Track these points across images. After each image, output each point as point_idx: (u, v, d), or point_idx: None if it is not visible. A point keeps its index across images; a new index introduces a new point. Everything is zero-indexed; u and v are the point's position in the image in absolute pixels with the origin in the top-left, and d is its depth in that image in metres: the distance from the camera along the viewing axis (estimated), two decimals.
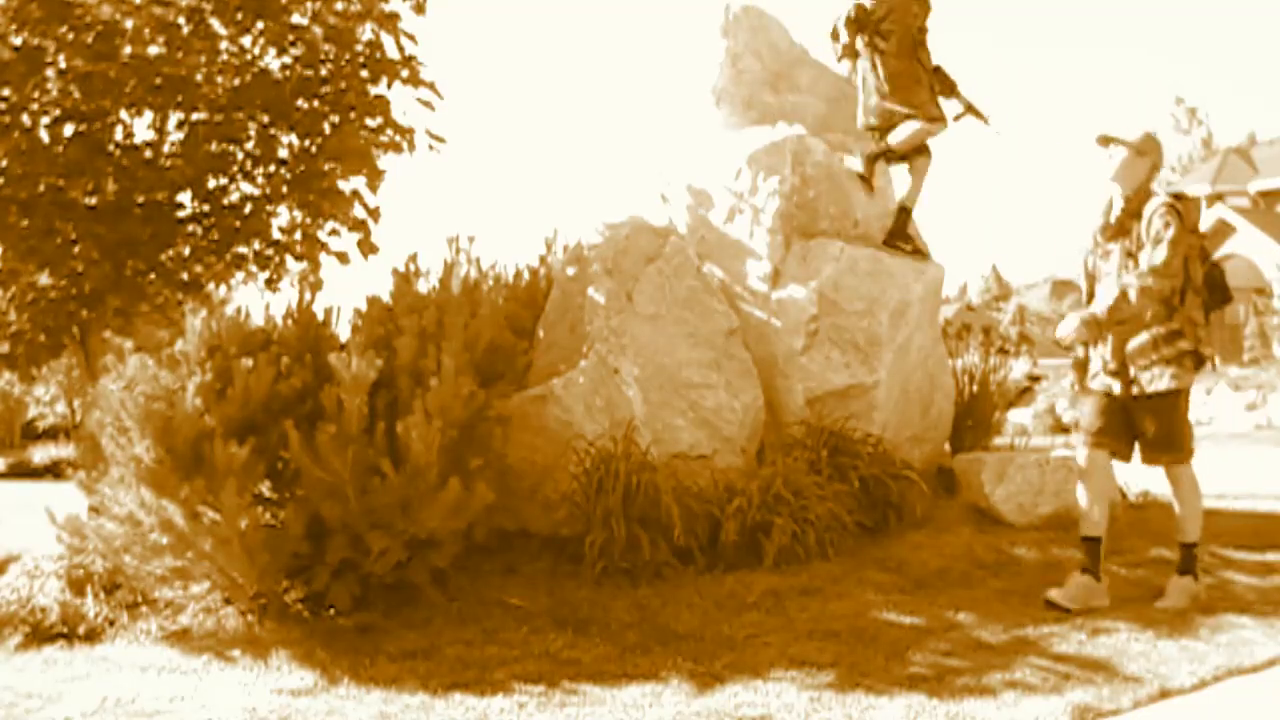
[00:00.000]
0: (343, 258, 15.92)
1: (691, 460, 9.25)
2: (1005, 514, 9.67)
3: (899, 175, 10.97)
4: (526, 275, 11.19)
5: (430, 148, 15.71)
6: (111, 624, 8.31)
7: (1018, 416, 21.08)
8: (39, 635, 8.18)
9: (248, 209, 15.68)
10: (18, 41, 14.38)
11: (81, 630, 8.18)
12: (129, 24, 14.22)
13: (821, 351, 9.96)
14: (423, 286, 9.54)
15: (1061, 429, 25.14)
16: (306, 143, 15.47)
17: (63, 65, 14.56)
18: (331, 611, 7.90)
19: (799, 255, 10.28)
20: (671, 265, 9.83)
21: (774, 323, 10.05)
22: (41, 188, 14.38)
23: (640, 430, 9.02)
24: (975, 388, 11.48)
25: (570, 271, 10.01)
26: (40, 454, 28.96)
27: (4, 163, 14.31)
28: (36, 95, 14.74)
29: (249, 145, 15.41)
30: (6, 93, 14.69)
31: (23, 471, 27.77)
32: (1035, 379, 32.95)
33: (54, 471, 25.22)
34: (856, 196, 10.68)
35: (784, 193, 10.33)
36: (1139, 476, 9.64)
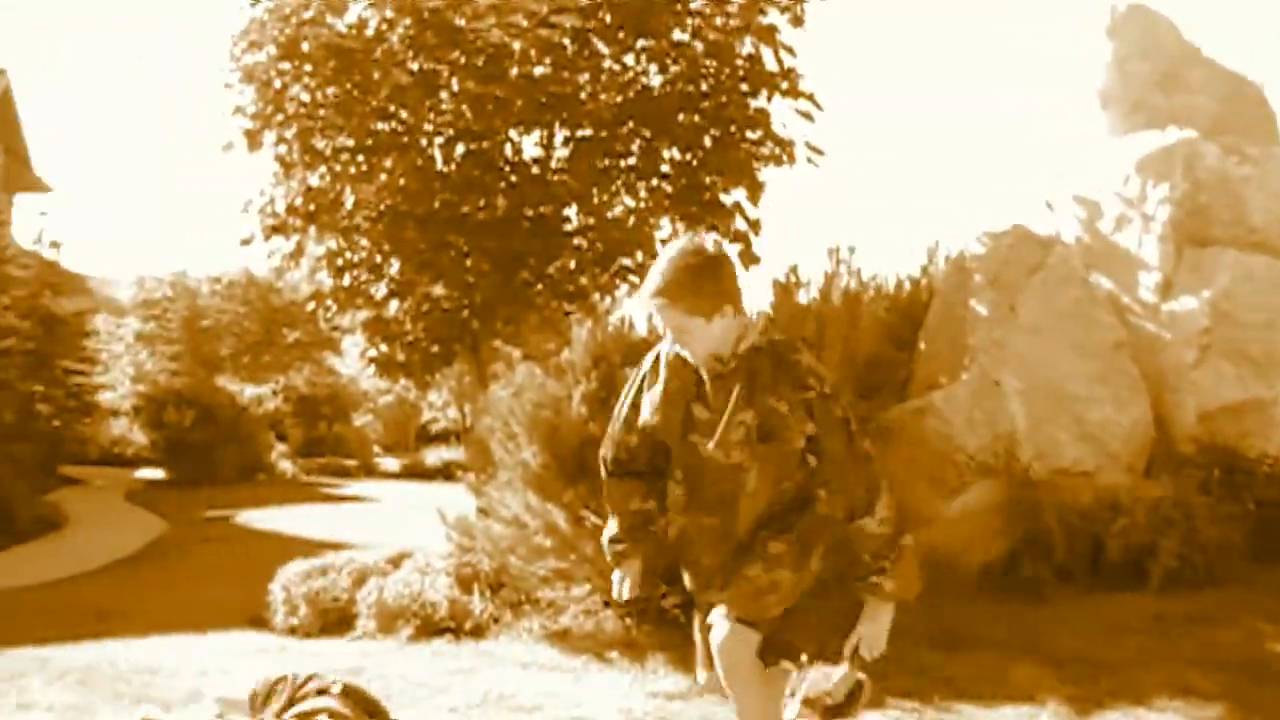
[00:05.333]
0: None
1: (1074, 476, 9.00)
2: None
3: None
4: (907, 286, 11.11)
5: (809, 159, 15.76)
6: (496, 621, 8.67)
7: None
8: (428, 628, 8.63)
9: (631, 222, 16.05)
10: (414, 66, 15.15)
11: (468, 626, 8.57)
12: (517, 46, 14.77)
13: (1213, 365, 9.53)
14: (803, 297, 9.57)
15: None
16: (688, 156, 15.74)
17: (455, 87, 15.26)
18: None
19: (1191, 264, 9.87)
20: (1056, 275, 9.60)
21: (1164, 335, 9.68)
22: (436, 204, 15.09)
23: (1021, 444, 8.84)
24: None
25: (952, 282, 9.89)
26: (433, 456, 30.34)
27: (402, 181, 15.09)
28: (431, 116, 15.49)
29: (632, 160, 15.79)
30: (404, 115, 15.50)
31: (416, 472, 29.15)
32: None
33: (445, 473, 26.36)
34: (1254, 201, 10.18)
35: (1175, 199, 9.95)
36: None
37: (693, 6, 15.45)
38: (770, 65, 15.46)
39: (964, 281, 9.67)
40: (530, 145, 16.10)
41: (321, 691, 4.89)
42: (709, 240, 4.54)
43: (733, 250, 15.87)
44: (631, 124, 15.36)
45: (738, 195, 15.76)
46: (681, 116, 15.44)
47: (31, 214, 35.56)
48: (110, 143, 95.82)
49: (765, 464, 4.41)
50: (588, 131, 15.56)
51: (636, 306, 4.50)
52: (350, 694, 5.12)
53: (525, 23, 14.35)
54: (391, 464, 31.71)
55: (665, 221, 16.15)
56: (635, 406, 4.70)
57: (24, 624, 10.38)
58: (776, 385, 4.44)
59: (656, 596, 8.19)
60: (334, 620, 9.17)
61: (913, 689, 6.75)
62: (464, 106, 15.20)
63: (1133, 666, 7.01)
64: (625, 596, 4.90)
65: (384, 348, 17.25)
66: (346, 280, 16.50)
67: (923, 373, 9.71)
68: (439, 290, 16.29)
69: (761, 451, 4.39)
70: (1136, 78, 11.03)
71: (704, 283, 4.40)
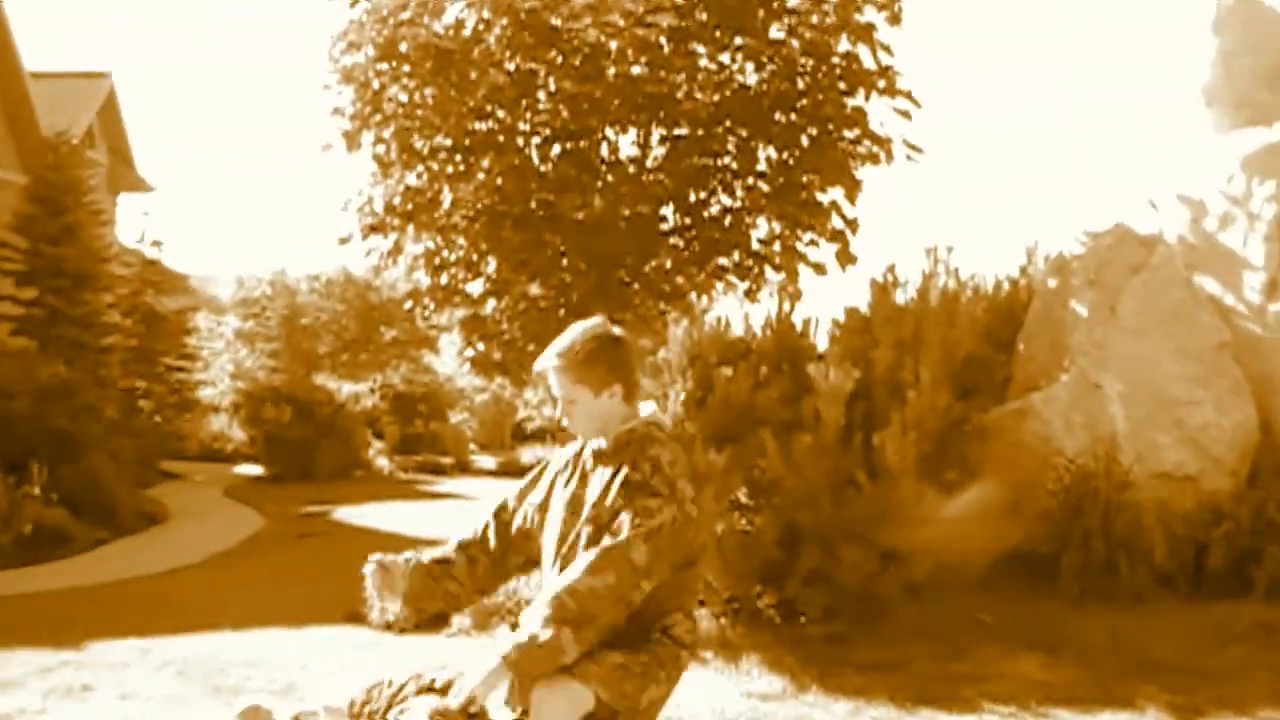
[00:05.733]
0: (820, 268, 16.06)
1: (1176, 480, 8.86)
2: None
3: None
4: (1006, 286, 10.98)
5: (907, 158, 15.65)
6: None
7: None
8: None
9: (727, 221, 16.03)
10: (511, 66, 15.23)
11: None
12: (613, 45, 14.80)
13: None
14: (900, 298, 9.50)
15: None
16: (785, 155, 15.68)
17: (552, 87, 15.32)
18: (802, 619, 7.99)
19: None
20: (1158, 276, 9.45)
21: (1269, 337, 9.49)
22: (533, 203, 15.16)
23: (1122, 448, 8.71)
24: None
25: (1051, 283, 9.77)
26: (528, 454, 30.44)
27: (499, 180, 15.17)
28: (528, 116, 15.56)
29: (729, 159, 15.77)
30: (501, 114, 15.58)
31: (511, 470, 29.26)
32: None
33: None
34: None
35: None
36: None
37: (789, 4, 15.40)
38: (868, 63, 15.38)
39: (1064, 282, 9.55)
40: (627, 144, 16.12)
41: (424, 690, 4.92)
42: (618, 329, 4.68)
43: (829, 250, 15.83)
44: (728, 123, 15.33)
45: (835, 194, 15.69)
46: (778, 115, 15.39)
47: (134, 213, 36.13)
48: (211, 143, 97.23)
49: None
50: (684, 130, 15.56)
51: (539, 369, 4.64)
52: (448, 689, 5.14)
53: (622, 22, 14.37)
54: (487, 462, 31.89)
55: (762, 221, 16.11)
56: (534, 481, 4.92)
57: (126, 616, 10.55)
58: (620, 487, 4.45)
59: (752, 597, 8.18)
60: (430, 617, 9.22)
61: (1009, 694, 6.69)
62: (561, 106, 15.25)
63: (1235, 676, 6.89)
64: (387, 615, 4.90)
65: (480, 346, 17.35)
66: (444, 279, 16.61)
67: (1022, 374, 9.60)
68: (535, 289, 16.36)
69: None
70: (1242, 73, 10.82)
71: (600, 355, 4.57)
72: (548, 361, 4.64)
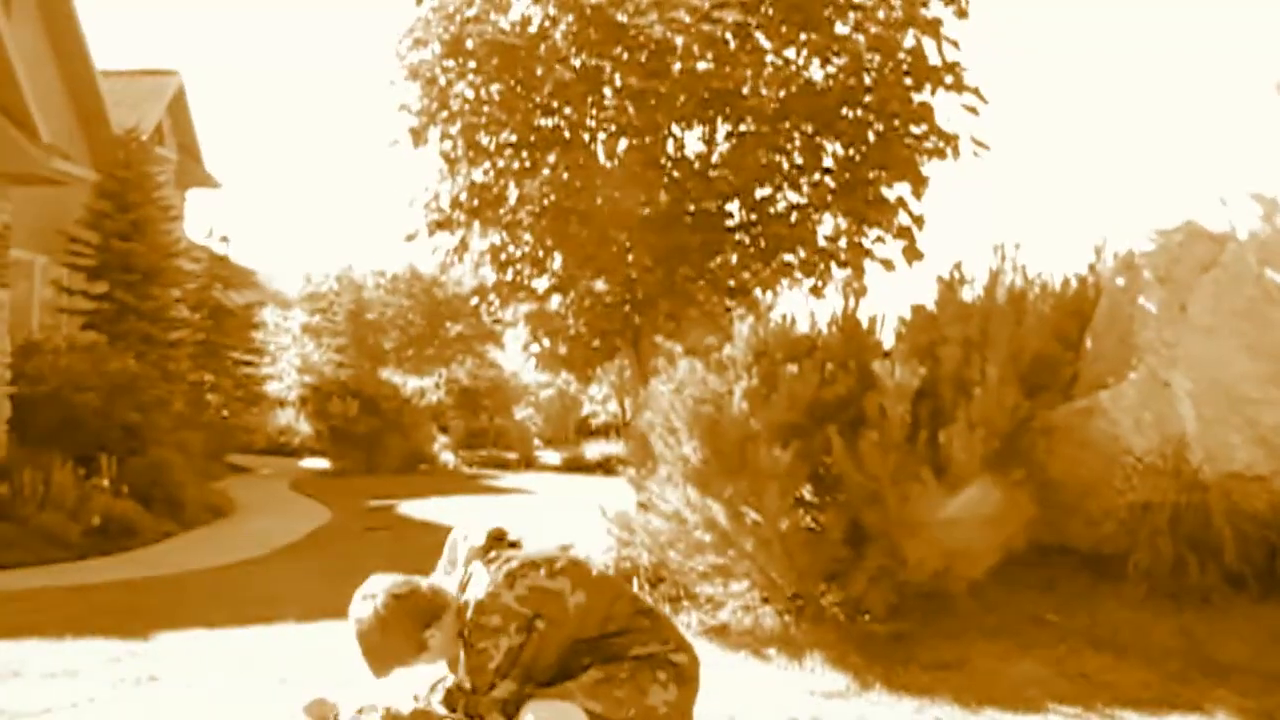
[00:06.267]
0: (887, 265, 16.00)
1: (1247, 481, 8.73)
2: None
3: None
4: (1074, 284, 10.87)
5: (974, 153, 15.56)
6: None
7: None
8: None
9: (793, 217, 16.00)
10: (577, 63, 15.26)
11: None
12: (679, 41, 14.80)
13: None
14: (967, 295, 9.43)
15: None
16: (851, 151, 15.64)
17: (618, 83, 15.34)
18: (866, 616, 7.96)
19: None
20: (1229, 273, 9.32)
21: None
22: (598, 199, 15.17)
23: (1191, 447, 8.60)
24: None
25: (1120, 280, 9.66)
26: (593, 450, 30.52)
27: (564, 176, 15.20)
28: (594, 112, 15.60)
29: (794, 155, 15.73)
30: (567, 110, 15.62)
31: (576, 466, 29.35)
32: None
33: (605, 467, 26.51)
34: None
35: None
36: None
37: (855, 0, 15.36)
38: (934, 58, 15.30)
39: (1133, 279, 9.44)
40: (692, 140, 16.13)
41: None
42: (371, 599, 4.75)
43: (895, 247, 15.76)
44: (794, 119, 15.30)
45: (901, 190, 15.63)
46: (844, 111, 15.35)
47: (203, 209, 36.57)
48: (279, 139, 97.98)
49: None
50: (750, 126, 15.55)
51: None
52: None
53: (687, 18, 14.38)
54: (552, 457, 31.98)
55: (828, 217, 16.07)
56: None
57: (192, 608, 10.66)
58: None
59: (816, 594, 8.16)
60: None
61: (1075, 694, 6.63)
62: (626, 102, 15.28)
63: None
64: None
65: (546, 342, 17.41)
66: (509, 275, 16.68)
67: (1089, 372, 9.51)
68: (601, 285, 16.39)
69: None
70: None
71: (393, 644, 4.71)
72: (387, 676, 4.79)
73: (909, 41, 15.35)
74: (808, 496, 8.57)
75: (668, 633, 4.83)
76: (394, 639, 4.70)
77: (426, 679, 4.95)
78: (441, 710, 4.78)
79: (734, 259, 16.24)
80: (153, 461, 17.21)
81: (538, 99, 15.34)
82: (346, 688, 5.37)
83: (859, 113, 15.38)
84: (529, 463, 30.81)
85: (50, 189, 17.84)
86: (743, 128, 15.62)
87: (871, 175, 15.52)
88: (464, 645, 4.71)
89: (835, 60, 15.49)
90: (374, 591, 4.77)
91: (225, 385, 26.95)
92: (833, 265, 16.31)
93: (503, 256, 16.53)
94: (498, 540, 4.85)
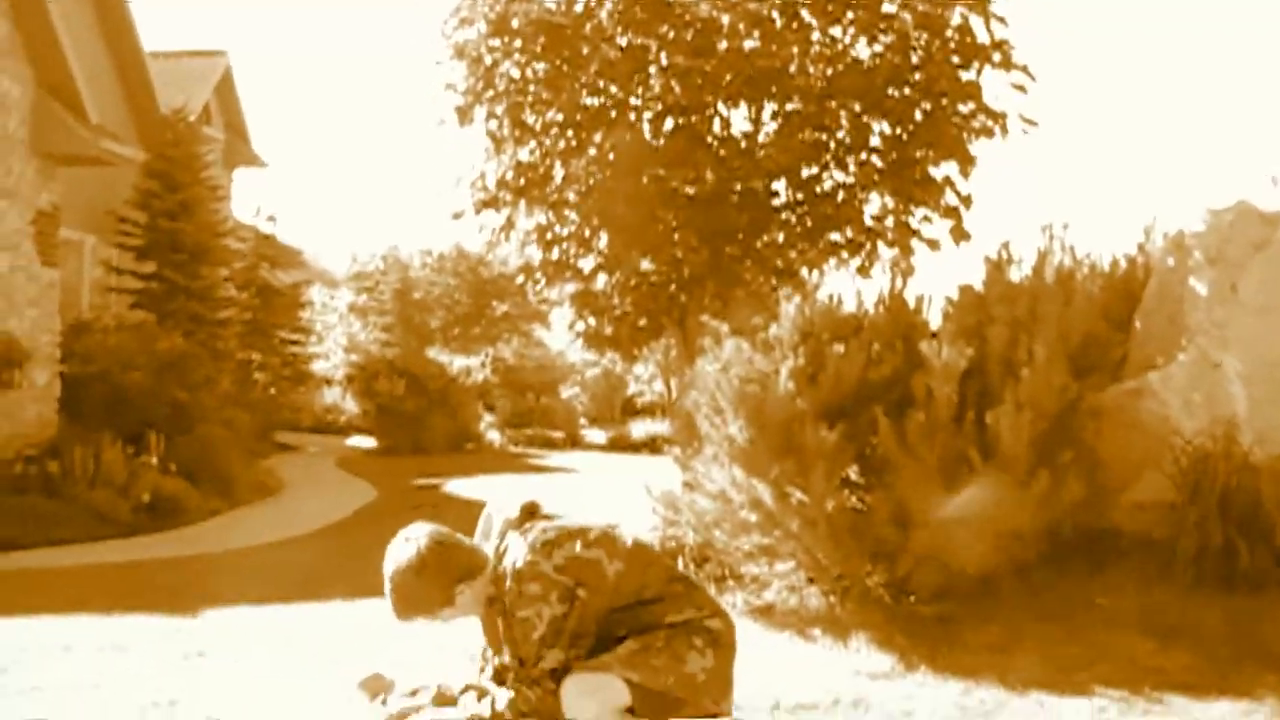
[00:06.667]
0: (934, 244, 15.93)
1: None
2: None
3: None
4: (1123, 264, 10.77)
5: (1023, 132, 15.45)
6: None
7: None
8: None
9: (840, 196, 15.96)
10: (623, 42, 15.24)
11: None
12: (725, 20, 14.77)
13: None
14: (1015, 275, 9.36)
15: None
16: (898, 130, 15.57)
17: (664, 62, 15.32)
18: (912, 598, 7.92)
19: None
20: None
21: None
22: (645, 178, 15.16)
23: (1242, 429, 8.51)
24: None
25: (1170, 261, 9.56)
26: (638, 429, 30.51)
27: (611, 155, 15.20)
28: (640, 91, 15.58)
29: (841, 134, 15.68)
30: (613, 89, 15.60)
31: (622, 445, 29.35)
32: None
33: (650, 446, 26.49)
34: None
35: None
36: None
37: None
38: (981, 36, 15.22)
39: (1183, 259, 9.34)
40: (739, 119, 16.11)
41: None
42: (414, 541, 4.75)
43: (943, 227, 15.68)
44: (840, 97, 15.24)
45: (949, 169, 15.55)
46: (891, 90, 15.29)
47: (250, 188, 36.71)
48: (325, 119, 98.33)
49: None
50: (797, 105, 15.51)
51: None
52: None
53: None
54: (597, 436, 32.00)
55: (875, 196, 16.01)
56: None
57: (240, 585, 10.72)
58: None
59: (862, 575, 8.13)
60: None
61: (1122, 678, 6.58)
62: (673, 81, 15.25)
63: None
64: None
65: (592, 321, 17.45)
66: (555, 254, 16.72)
67: (1139, 353, 9.42)
68: (647, 264, 16.40)
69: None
70: None
71: (425, 591, 4.71)
72: (407, 622, 4.80)
73: (956, 19, 15.28)
74: (854, 477, 8.54)
75: (701, 599, 4.83)
76: (427, 585, 4.69)
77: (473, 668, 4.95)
78: (492, 687, 4.77)
79: (780, 238, 16.22)
80: (201, 439, 17.33)
81: (584, 78, 15.34)
82: (393, 667, 5.40)
83: (906, 91, 15.32)
84: (574, 442, 30.84)
85: (99, 169, 17.97)
86: (789, 106, 15.57)
87: (919, 154, 15.46)
88: (505, 618, 4.69)
89: (882, 38, 15.42)
90: (417, 535, 4.77)
91: (272, 364, 27.09)
92: (879, 245, 16.26)
93: (549, 235, 16.56)
94: (531, 513, 4.83)
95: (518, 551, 4.66)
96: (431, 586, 4.70)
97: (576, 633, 4.61)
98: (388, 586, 4.73)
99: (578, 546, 4.66)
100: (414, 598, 4.72)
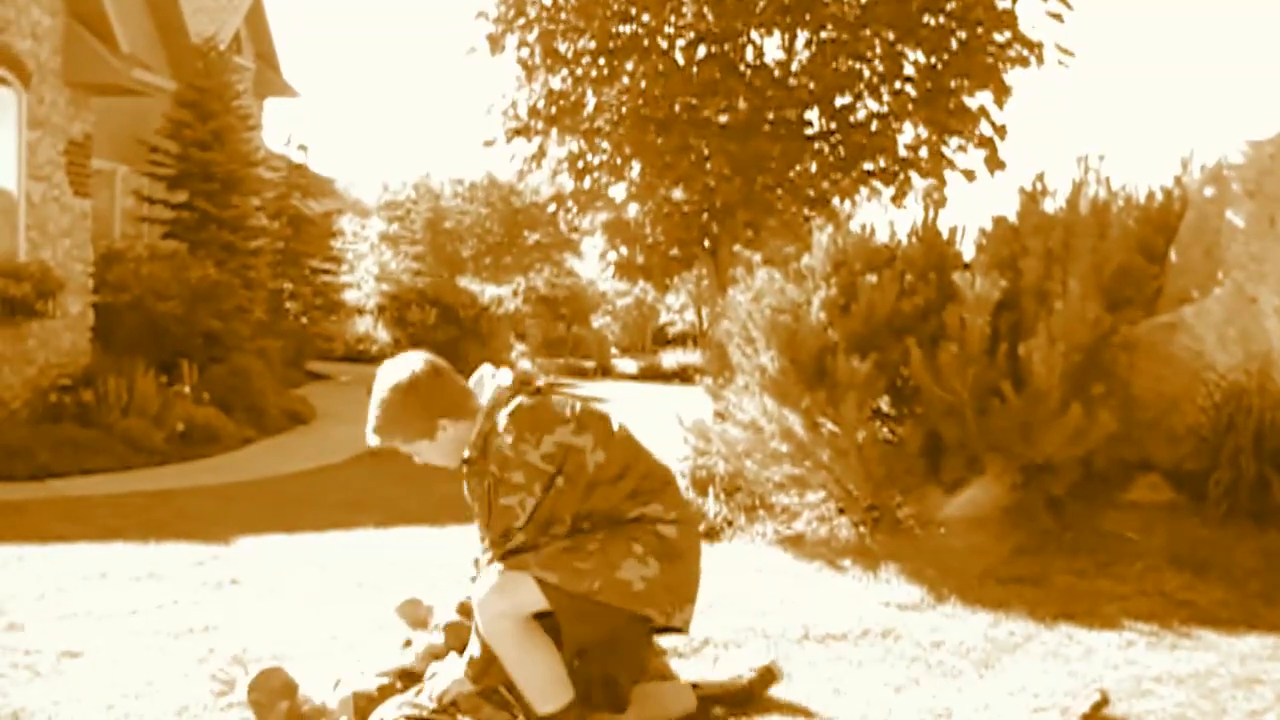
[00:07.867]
0: (969, 175, 15.83)
1: None
2: None
3: None
4: (1159, 196, 10.66)
5: (1060, 62, 15.29)
6: (730, 524, 8.72)
7: None
8: None
9: (874, 125, 15.85)
10: None
11: (702, 528, 8.60)
12: None
13: None
14: (1049, 206, 9.26)
15: None
16: (932, 59, 15.43)
17: None
18: (943, 530, 7.92)
19: None
20: None
21: None
22: (677, 107, 15.09)
23: (1277, 364, 8.45)
24: None
25: (1207, 193, 9.47)
26: (669, 359, 30.58)
27: (643, 83, 15.11)
28: (672, 19, 15.46)
29: (875, 63, 15.54)
30: (645, 17, 15.48)
31: (652, 375, 29.40)
32: None
33: (681, 376, 26.54)
34: None
35: None
36: None
37: None
38: None
39: (1221, 192, 9.25)
40: (772, 48, 16.00)
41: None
42: (410, 362, 4.69)
43: (977, 157, 15.56)
44: (875, 26, 15.09)
45: (984, 99, 15.41)
46: (926, 18, 15.14)
47: (281, 118, 36.68)
48: (356, 48, 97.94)
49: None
50: (831, 33, 15.36)
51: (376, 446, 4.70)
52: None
53: None
54: (628, 365, 32.07)
55: (908, 126, 15.89)
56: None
57: (272, 513, 10.81)
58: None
59: (892, 506, 8.14)
60: None
61: (1152, 611, 6.57)
62: (705, 8, 15.12)
63: None
64: None
65: (623, 250, 17.44)
66: (587, 183, 16.68)
67: (1173, 287, 9.35)
68: (679, 194, 16.35)
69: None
70: None
71: (410, 412, 4.62)
72: (373, 439, 4.72)
73: None
74: (885, 408, 8.53)
75: (671, 500, 4.68)
76: (413, 405, 4.62)
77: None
78: (424, 669, 4.77)
79: (813, 168, 16.13)
80: (233, 368, 17.44)
81: (615, 5, 15.23)
82: (426, 593, 5.43)
83: (941, 20, 15.16)
84: (606, 371, 30.93)
85: (130, 99, 17.95)
86: (823, 34, 15.44)
87: (953, 84, 15.32)
88: (486, 499, 4.59)
89: None
90: (415, 357, 4.72)
91: (304, 293, 27.16)
92: (913, 175, 16.16)
93: (580, 164, 16.52)
94: (524, 384, 4.71)
95: (508, 433, 4.52)
96: (417, 408, 4.62)
97: (548, 519, 4.49)
98: (373, 400, 4.67)
99: (569, 431, 4.55)
100: (397, 417, 4.65)
